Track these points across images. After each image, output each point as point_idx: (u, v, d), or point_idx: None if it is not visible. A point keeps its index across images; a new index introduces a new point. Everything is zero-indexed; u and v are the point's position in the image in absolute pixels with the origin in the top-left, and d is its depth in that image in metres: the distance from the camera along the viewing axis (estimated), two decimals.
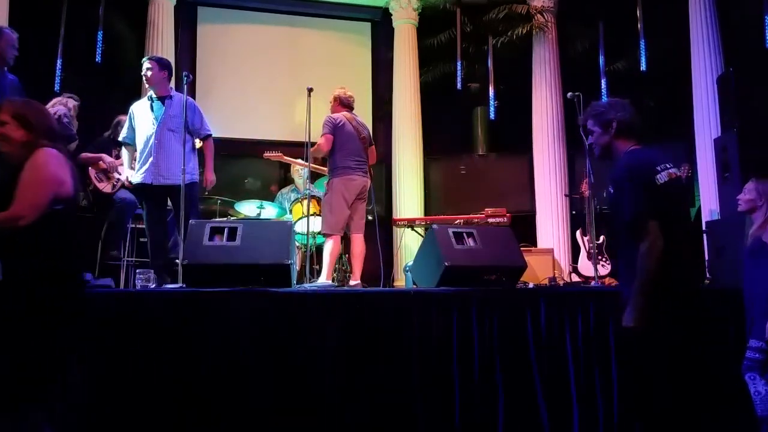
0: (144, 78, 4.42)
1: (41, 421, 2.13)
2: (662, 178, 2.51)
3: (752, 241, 3.24)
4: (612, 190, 2.62)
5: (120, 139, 4.61)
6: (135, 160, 4.47)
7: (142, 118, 4.45)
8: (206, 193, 5.70)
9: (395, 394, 2.99)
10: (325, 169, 4.97)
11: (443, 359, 3.08)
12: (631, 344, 2.47)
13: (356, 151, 4.76)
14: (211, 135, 4.57)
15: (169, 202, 4.46)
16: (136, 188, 4.46)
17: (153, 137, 4.31)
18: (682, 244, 2.50)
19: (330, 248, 4.57)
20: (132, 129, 4.49)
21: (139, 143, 4.42)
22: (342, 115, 4.77)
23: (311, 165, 5.27)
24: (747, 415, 3.07)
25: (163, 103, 4.40)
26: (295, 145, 5.71)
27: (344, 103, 4.90)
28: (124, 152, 4.60)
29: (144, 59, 4.54)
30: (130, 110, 4.57)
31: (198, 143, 4.62)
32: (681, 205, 2.65)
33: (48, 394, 2.15)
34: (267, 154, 5.43)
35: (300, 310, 2.98)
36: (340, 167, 4.67)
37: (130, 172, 4.49)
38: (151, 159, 4.30)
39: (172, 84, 4.73)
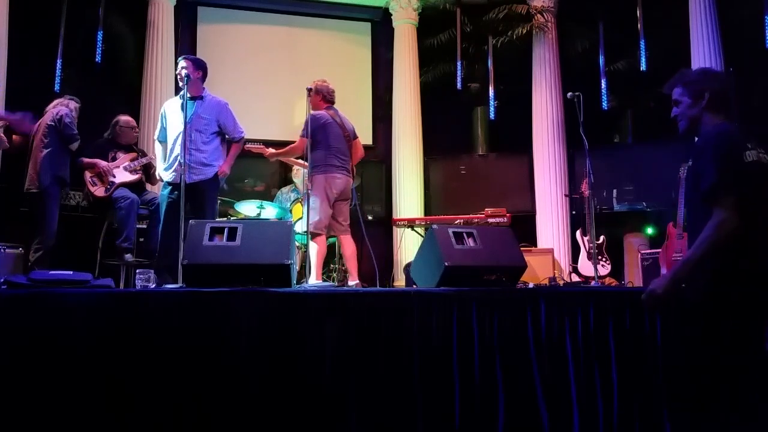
0: (178, 77, 4.42)
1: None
2: (750, 156, 2.31)
3: None
4: (692, 161, 2.46)
5: (155, 138, 4.72)
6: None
7: (173, 116, 4.51)
8: None
9: (395, 394, 2.99)
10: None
11: (443, 359, 3.08)
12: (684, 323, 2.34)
13: (341, 150, 4.71)
14: (243, 137, 4.72)
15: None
16: (167, 185, 4.52)
17: (181, 136, 4.34)
18: (759, 229, 2.31)
19: (316, 248, 4.52)
20: (164, 128, 4.58)
21: (169, 141, 4.50)
22: (325, 113, 4.66)
23: (296, 161, 5.25)
24: None
25: (194, 104, 4.44)
26: None
27: (327, 99, 4.78)
28: (158, 147, 4.68)
29: (180, 58, 4.58)
30: (162, 109, 4.67)
31: None
32: (763, 190, 2.39)
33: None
34: (248, 146, 5.24)
35: (300, 310, 2.98)
36: (324, 164, 4.60)
37: (162, 165, 4.60)
38: (178, 158, 4.35)
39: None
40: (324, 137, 4.61)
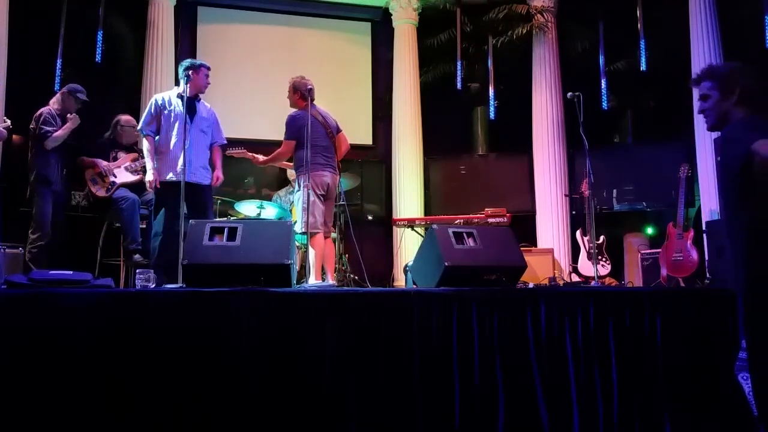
0: (196, 80, 4.43)
1: None
2: None
3: None
4: (720, 158, 2.39)
5: (143, 131, 4.54)
6: (159, 154, 4.46)
7: (173, 114, 4.43)
8: None
9: (395, 394, 2.99)
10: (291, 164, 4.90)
11: (443, 359, 3.08)
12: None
13: (325, 147, 4.67)
14: (225, 144, 4.79)
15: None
16: (165, 186, 4.39)
17: (187, 136, 4.26)
18: None
19: (316, 247, 4.49)
20: (158, 122, 4.45)
21: (171, 140, 4.42)
22: (305, 112, 4.48)
23: (288, 164, 5.25)
24: (747, 414, 3.07)
25: (194, 105, 4.45)
26: None
27: (305, 96, 4.57)
28: (146, 147, 4.49)
29: (199, 63, 4.56)
30: (154, 101, 4.52)
31: None
32: None
33: None
34: (230, 152, 5.10)
35: (300, 310, 2.98)
36: (311, 162, 4.47)
37: (153, 173, 4.40)
38: (182, 157, 4.32)
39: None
40: (304, 136, 4.44)
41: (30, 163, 4.87)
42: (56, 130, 4.87)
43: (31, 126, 4.91)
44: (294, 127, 4.57)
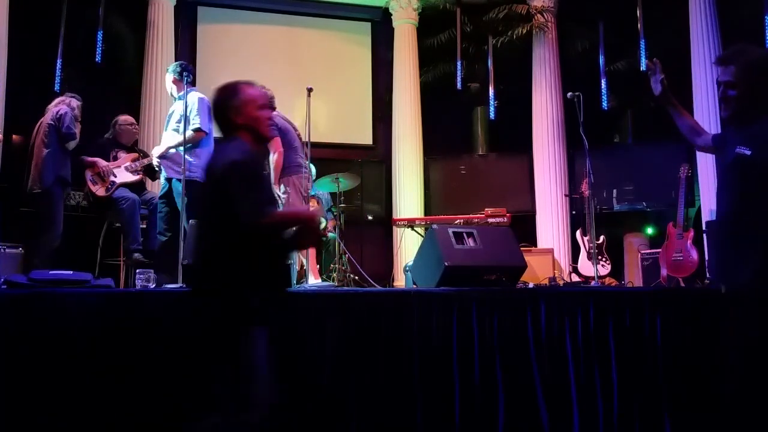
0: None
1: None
2: None
3: None
4: (751, 152, 2.28)
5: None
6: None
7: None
8: None
9: (395, 394, 2.99)
10: None
11: (443, 359, 3.08)
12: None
13: (301, 148, 4.72)
14: (198, 129, 4.39)
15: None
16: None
17: (164, 135, 4.43)
18: None
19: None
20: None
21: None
22: (276, 114, 4.42)
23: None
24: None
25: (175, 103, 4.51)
26: None
27: (270, 105, 4.68)
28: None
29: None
30: None
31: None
32: None
33: None
34: None
35: (300, 310, 2.98)
36: (293, 165, 4.54)
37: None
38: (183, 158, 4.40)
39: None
40: (287, 140, 4.56)
41: (42, 162, 4.72)
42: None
43: (50, 122, 4.83)
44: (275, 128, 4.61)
